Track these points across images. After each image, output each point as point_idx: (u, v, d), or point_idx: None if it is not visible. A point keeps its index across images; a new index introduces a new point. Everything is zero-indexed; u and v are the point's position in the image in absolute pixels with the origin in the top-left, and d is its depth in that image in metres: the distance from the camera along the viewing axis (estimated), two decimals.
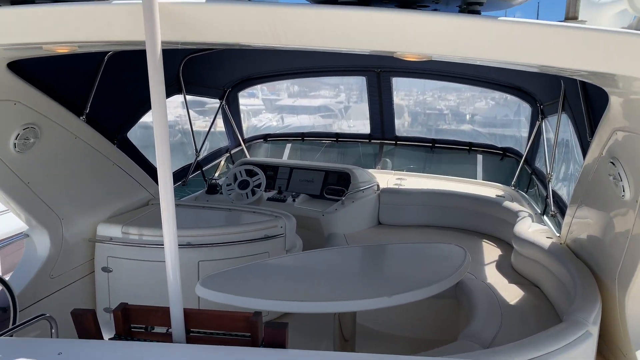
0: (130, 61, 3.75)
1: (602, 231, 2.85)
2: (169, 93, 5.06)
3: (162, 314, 2.02)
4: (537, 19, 1.82)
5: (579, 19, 1.98)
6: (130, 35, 1.92)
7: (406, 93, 9.62)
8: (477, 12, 1.89)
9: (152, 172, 4.61)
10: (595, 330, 2.44)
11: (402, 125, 8.90)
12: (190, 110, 6.93)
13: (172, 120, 6.29)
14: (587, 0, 2.70)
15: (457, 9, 1.95)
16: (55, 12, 1.96)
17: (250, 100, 10.36)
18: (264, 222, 3.88)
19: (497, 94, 6.76)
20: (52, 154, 3.32)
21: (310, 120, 9.93)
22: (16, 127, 2.98)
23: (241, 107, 10.25)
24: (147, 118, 5.18)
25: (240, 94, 6.89)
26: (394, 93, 9.62)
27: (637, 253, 2.37)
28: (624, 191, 2.44)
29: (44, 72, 3.15)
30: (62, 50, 2.30)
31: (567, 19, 1.98)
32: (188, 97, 5.71)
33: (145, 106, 4.47)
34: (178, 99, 6.17)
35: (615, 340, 2.67)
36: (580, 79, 2.77)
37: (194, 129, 5.90)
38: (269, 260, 3.34)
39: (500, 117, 7.65)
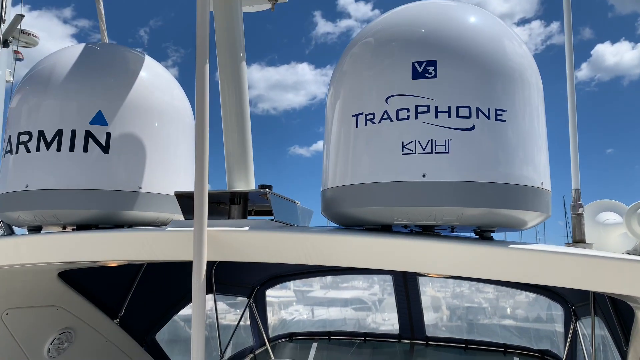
0: (165, 269, 3.85)
1: None
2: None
3: None
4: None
5: (587, 241, 2.19)
6: (180, 256, 2.17)
7: (442, 285, 9.48)
8: (490, 238, 2.07)
9: None
10: None
11: (441, 319, 8.83)
12: (221, 303, 6.86)
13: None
14: (593, 220, 2.86)
15: (472, 232, 2.15)
16: (119, 237, 2.27)
17: (282, 292, 10.25)
18: None
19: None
20: (81, 357, 3.26)
21: (342, 314, 9.61)
22: (54, 331, 3.00)
23: (271, 299, 10.08)
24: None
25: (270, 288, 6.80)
26: (429, 285, 9.41)
27: None
28: None
29: (85, 278, 3.21)
30: (113, 264, 2.61)
31: (574, 241, 2.16)
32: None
33: (176, 308, 4.43)
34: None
35: None
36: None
37: (223, 323, 5.80)
38: None
39: (535, 315, 7.38)
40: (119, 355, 3.58)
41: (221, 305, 6.42)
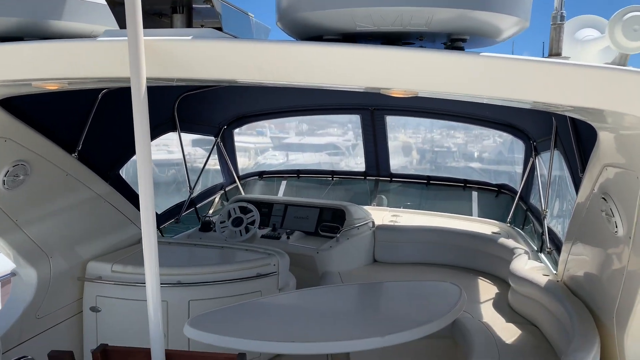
0: (123, 99, 3.79)
1: (598, 268, 2.76)
2: (164, 130, 5.09)
3: (143, 356, 1.97)
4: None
5: (562, 55, 1.97)
6: (117, 72, 1.95)
7: (414, 131, 9.89)
8: (461, 49, 1.89)
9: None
10: None
11: (410, 162, 9.18)
12: (198, 148, 6.99)
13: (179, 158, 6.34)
14: (571, 37, 2.69)
15: (442, 46, 1.95)
16: (43, 48, 2.00)
17: (259, 138, 10.45)
18: (257, 260, 3.82)
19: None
20: (42, 191, 3.30)
21: (317, 158, 9.95)
22: (5, 163, 2.97)
23: (247, 145, 10.28)
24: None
25: (244, 131, 6.91)
26: (402, 130, 9.57)
27: (633, 290, 2.28)
28: (616, 227, 2.36)
29: (37, 110, 3.17)
30: (52, 87, 2.32)
31: (550, 55, 1.97)
32: (192, 136, 5.72)
33: None
34: (189, 136, 6.19)
35: None
36: (569, 115, 2.74)
37: (201, 167, 5.92)
38: (260, 299, 3.26)
39: (502, 155, 7.64)
40: (81, 188, 3.65)
41: (202, 151, 6.57)
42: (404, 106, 5.86)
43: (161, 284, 3.26)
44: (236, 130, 6.63)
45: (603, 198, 2.48)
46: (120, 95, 3.73)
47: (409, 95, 2.03)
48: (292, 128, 11.10)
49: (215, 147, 6.34)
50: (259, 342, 2.48)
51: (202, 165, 6.27)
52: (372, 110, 6.01)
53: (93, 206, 3.78)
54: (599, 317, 2.71)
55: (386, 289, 3.51)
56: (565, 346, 2.65)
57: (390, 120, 6.33)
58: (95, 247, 3.81)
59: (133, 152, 4.50)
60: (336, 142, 10.46)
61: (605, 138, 2.38)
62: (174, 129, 5.25)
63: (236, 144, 6.95)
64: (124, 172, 4.30)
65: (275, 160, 9.95)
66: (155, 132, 4.85)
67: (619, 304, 2.43)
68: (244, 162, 8.86)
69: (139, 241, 4.17)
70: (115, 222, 4.01)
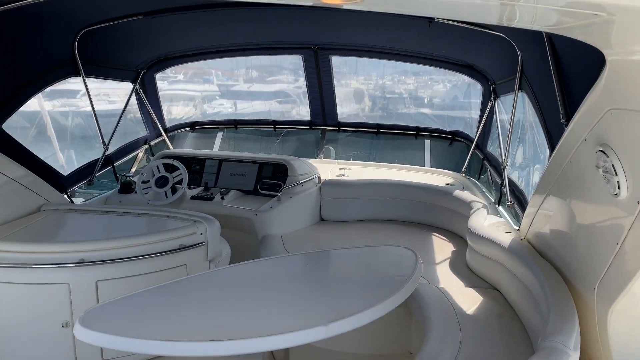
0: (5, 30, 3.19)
1: (578, 231, 2.45)
2: (62, 75, 4.40)
3: None
4: None
5: None
6: None
7: (366, 77, 9.33)
8: None
9: (44, 170, 4.01)
10: (576, 357, 2.07)
11: (363, 110, 8.77)
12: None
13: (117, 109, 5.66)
14: None
15: None
16: None
17: (205, 86, 9.83)
18: (179, 229, 3.30)
19: (455, 77, 6.40)
20: None
21: (266, 107, 9.46)
22: None
23: (193, 93, 9.62)
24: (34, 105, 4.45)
25: (190, 79, 6.30)
26: (353, 77, 9.10)
27: (630, 263, 1.97)
28: (618, 188, 1.99)
29: None
30: None
31: None
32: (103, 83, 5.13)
33: (27, 92, 3.86)
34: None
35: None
36: (579, 36, 2.20)
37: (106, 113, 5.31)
38: (179, 281, 2.69)
39: (456, 101, 7.38)
40: None
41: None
42: (351, 45, 5.40)
43: (61, 263, 2.91)
44: (159, 75, 5.94)
45: (602, 151, 2.08)
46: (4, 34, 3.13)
47: (349, 3, 1.66)
48: (241, 75, 10.49)
49: (133, 94, 5.64)
50: (170, 343, 1.96)
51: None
52: (316, 49, 5.51)
53: None
54: (573, 284, 2.45)
55: (331, 259, 3.14)
56: (533, 314, 2.40)
57: (339, 64, 5.91)
58: None
59: (22, 101, 3.80)
60: (287, 90, 9.95)
61: (617, 70, 1.93)
62: (76, 73, 4.52)
63: (168, 91, 6.34)
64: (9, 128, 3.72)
65: (224, 109, 9.40)
66: (50, 76, 4.23)
67: (605, 276, 2.13)
68: (188, 111, 8.26)
69: (38, 210, 3.70)
70: (3, 190, 3.40)
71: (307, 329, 2.07)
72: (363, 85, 8.88)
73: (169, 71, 6.23)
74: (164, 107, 6.33)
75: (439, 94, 8.23)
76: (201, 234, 3.33)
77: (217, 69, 9.84)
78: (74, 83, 4.70)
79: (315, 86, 5.89)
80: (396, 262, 2.85)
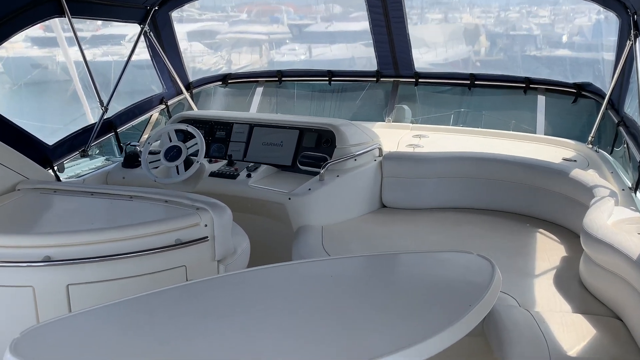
0: None
1: None
2: (41, 15, 3.71)
3: None
4: None
5: None
6: None
7: (483, 10, 7.67)
8: None
9: (21, 141, 3.47)
10: None
11: (478, 52, 7.13)
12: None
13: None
14: None
15: None
16: None
17: (273, 27, 8.32)
18: (175, 218, 2.66)
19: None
20: None
21: (349, 52, 7.75)
22: None
23: (258, 37, 8.23)
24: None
25: (254, 18, 5.86)
26: (467, 9, 7.37)
27: None
28: None
29: None
30: None
31: None
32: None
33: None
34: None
35: None
36: None
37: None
38: (159, 292, 2.05)
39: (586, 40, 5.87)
40: None
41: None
42: None
43: (22, 261, 2.49)
44: (175, 14, 4.91)
45: None
46: None
47: None
48: (320, 12, 8.79)
49: (142, 38, 4.72)
50: None
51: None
52: None
53: None
54: None
55: (379, 269, 2.45)
56: None
57: None
58: None
59: None
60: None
61: None
62: (59, 12, 3.76)
63: (228, 35, 5.92)
64: None
65: (295, 56, 7.91)
66: (25, 17, 3.55)
67: None
68: (252, 59, 7.05)
69: (13, 188, 3.16)
70: None
71: None
72: (479, 19, 7.22)
73: (193, 6, 5.29)
74: (185, 55, 5.37)
75: (584, 30, 6.38)
76: (205, 225, 2.69)
77: (288, 4, 8.34)
78: (118, 27, 4.13)
79: (382, 26, 4.82)
80: (462, 277, 2.25)
